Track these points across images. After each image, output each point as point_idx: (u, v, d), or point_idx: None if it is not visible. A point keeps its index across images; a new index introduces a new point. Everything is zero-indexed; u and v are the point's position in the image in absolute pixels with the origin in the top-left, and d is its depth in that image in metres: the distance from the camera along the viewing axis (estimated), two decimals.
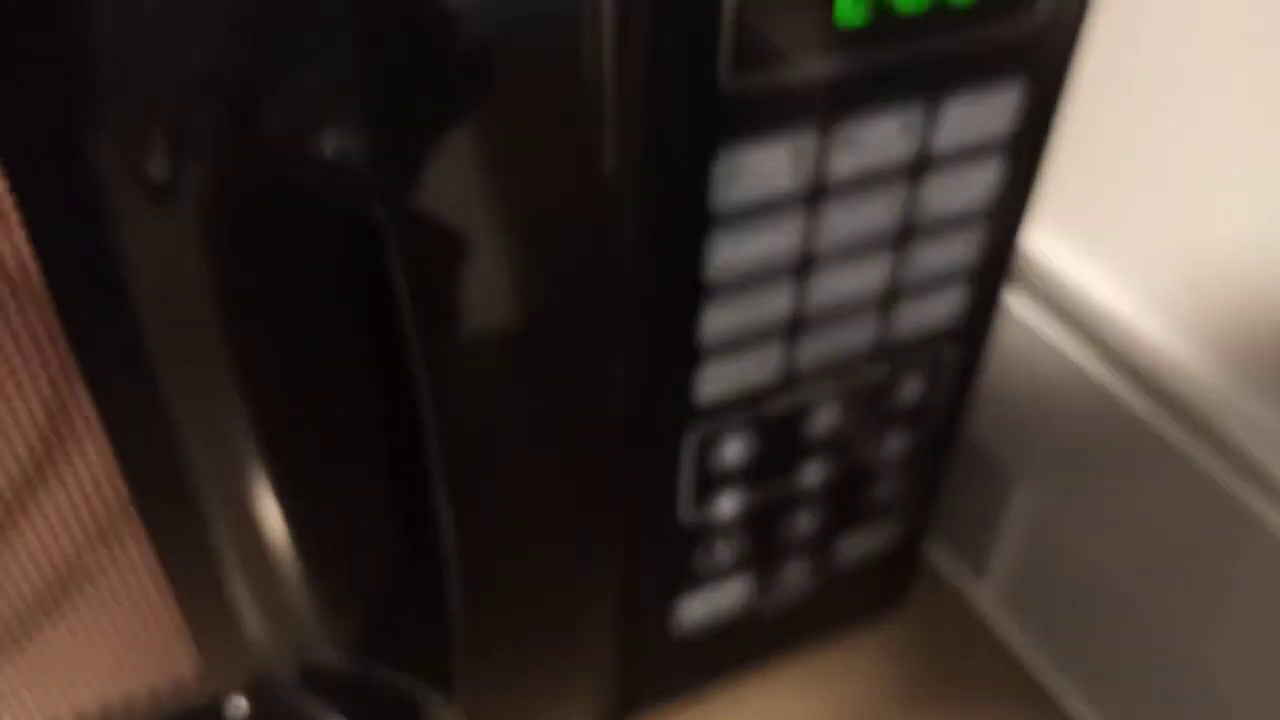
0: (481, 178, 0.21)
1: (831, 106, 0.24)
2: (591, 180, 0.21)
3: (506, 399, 0.24)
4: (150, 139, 0.21)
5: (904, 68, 0.24)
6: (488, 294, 0.22)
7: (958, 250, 0.29)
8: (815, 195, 0.25)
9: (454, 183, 0.20)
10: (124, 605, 0.28)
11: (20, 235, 0.21)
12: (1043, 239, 0.35)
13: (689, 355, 0.27)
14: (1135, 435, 0.33)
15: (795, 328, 0.28)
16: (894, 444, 0.32)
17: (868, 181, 0.26)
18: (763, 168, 0.24)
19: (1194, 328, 0.32)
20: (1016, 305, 0.36)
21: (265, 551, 0.28)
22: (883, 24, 0.23)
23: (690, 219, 0.24)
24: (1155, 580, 0.34)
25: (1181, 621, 0.34)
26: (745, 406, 0.29)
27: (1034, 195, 0.29)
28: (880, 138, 0.25)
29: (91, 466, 0.25)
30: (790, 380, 0.29)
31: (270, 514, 0.27)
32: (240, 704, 0.30)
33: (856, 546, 0.35)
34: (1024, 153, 0.28)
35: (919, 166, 0.26)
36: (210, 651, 0.29)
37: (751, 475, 0.30)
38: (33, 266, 0.21)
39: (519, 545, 0.27)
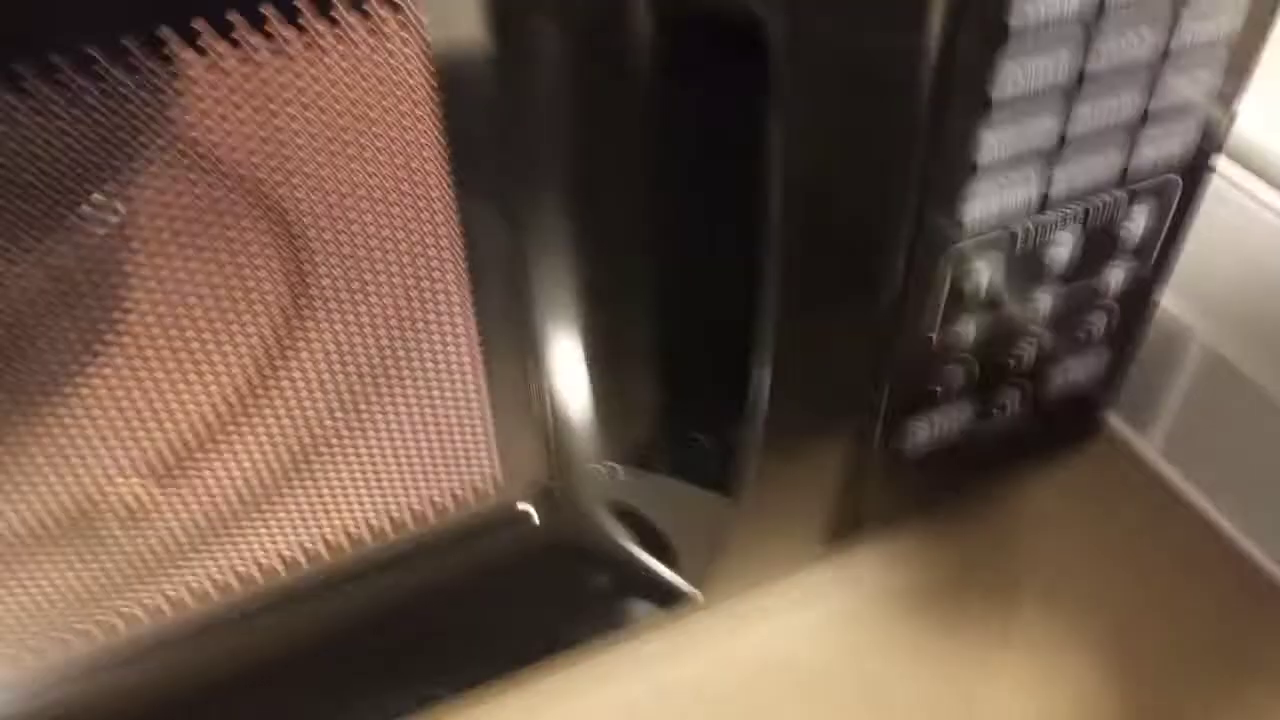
0: None
1: None
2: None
3: (825, 215, 0.27)
4: None
5: None
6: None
7: (1200, 83, 0.31)
8: (1096, 15, 0.27)
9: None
10: (438, 413, 0.31)
11: None
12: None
13: (962, 177, 0.29)
14: None
15: (1056, 152, 0.30)
16: (1113, 278, 0.35)
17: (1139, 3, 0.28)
18: None
19: None
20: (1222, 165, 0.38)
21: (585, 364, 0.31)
22: None
23: (987, 37, 0.26)
24: None
25: None
26: (999, 230, 0.31)
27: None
28: None
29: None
30: (1042, 205, 0.31)
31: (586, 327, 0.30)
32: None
33: (1067, 375, 0.37)
34: None
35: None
36: (509, 461, 0.32)
37: (992, 300, 0.33)
38: None
39: (813, 349, 0.30)
